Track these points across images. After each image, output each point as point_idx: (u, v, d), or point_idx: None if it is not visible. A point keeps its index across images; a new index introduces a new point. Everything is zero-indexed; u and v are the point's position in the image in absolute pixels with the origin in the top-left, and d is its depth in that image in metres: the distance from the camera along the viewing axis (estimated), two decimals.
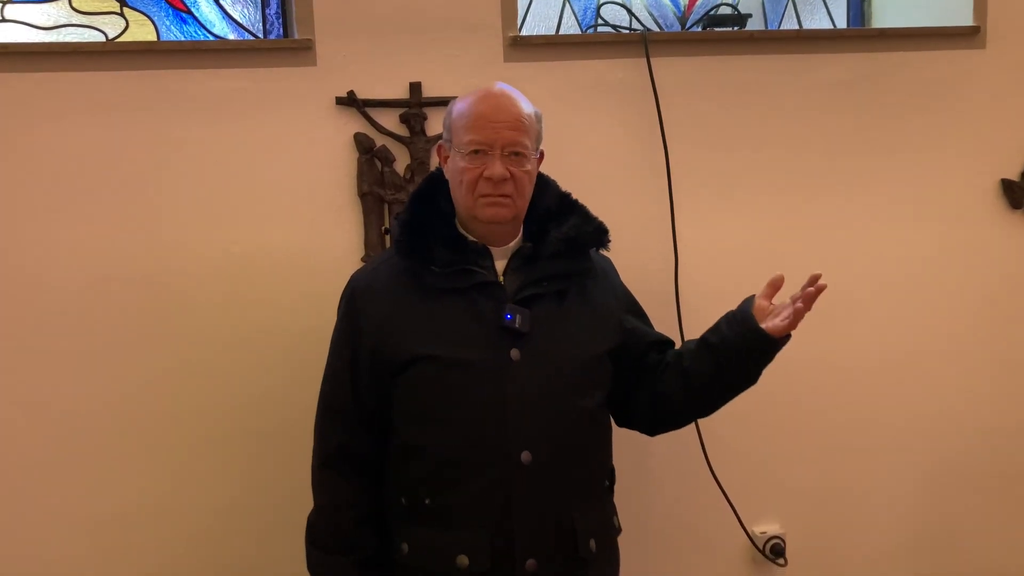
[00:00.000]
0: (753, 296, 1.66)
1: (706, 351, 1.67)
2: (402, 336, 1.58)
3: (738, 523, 2.30)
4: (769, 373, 2.31)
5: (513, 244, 1.66)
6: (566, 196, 1.72)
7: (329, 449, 1.65)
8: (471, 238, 1.62)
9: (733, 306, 2.28)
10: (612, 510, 1.74)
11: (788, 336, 1.62)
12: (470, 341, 1.57)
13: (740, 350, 1.63)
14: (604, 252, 1.75)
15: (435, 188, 1.67)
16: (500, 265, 1.63)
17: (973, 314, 2.43)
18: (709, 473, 2.24)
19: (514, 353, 1.56)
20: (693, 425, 2.22)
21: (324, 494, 1.66)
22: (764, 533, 2.35)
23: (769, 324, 1.61)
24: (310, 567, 1.66)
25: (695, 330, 2.20)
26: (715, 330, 1.69)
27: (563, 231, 1.65)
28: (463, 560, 1.54)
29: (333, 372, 1.66)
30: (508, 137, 1.56)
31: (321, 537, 1.65)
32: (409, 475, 1.60)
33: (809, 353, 2.33)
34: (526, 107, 1.61)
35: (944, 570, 2.49)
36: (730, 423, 2.29)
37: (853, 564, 2.44)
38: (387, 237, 2.11)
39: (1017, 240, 2.44)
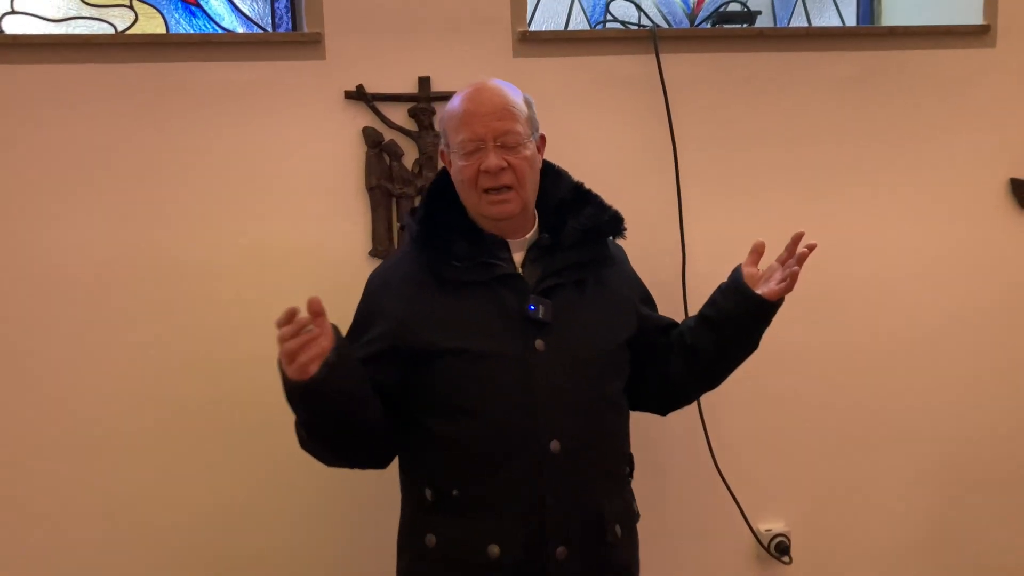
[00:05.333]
0: (740, 266, 1.70)
1: (707, 325, 1.71)
2: (426, 329, 1.58)
3: (743, 520, 2.30)
4: (774, 370, 2.32)
5: (530, 236, 1.67)
6: (579, 186, 1.73)
7: None
8: (488, 231, 1.63)
9: None
10: (631, 496, 1.76)
11: (783, 299, 1.67)
12: (496, 333, 1.58)
13: (740, 319, 1.68)
14: (619, 240, 1.76)
15: (449, 183, 1.68)
16: (518, 257, 1.65)
17: (980, 313, 2.42)
18: (715, 470, 2.24)
19: (539, 344, 1.57)
20: (699, 422, 2.22)
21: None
22: (769, 530, 2.35)
23: (765, 289, 1.66)
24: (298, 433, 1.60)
25: None
26: (711, 304, 1.72)
27: (580, 221, 1.66)
28: (494, 549, 1.55)
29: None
30: (497, 128, 1.57)
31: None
32: (436, 467, 1.60)
33: (814, 351, 2.34)
34: (512, 95, 1.62)
35: (950, 569, 2.49)
36: (735, 420, 2.31)
37: (858, 562, 2.43)
38: (396, 233, 2.11)
39: None
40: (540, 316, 1.57)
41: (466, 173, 1.58)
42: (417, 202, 2.11)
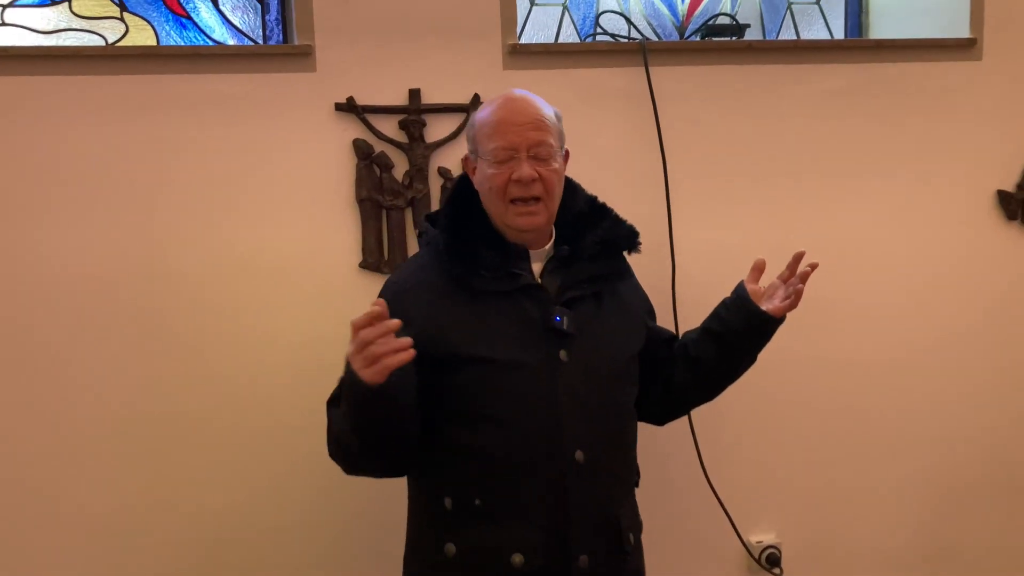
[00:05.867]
0: (742, 282, 1.75)
1: (711, 338, 1.74)
2: (452, 338, 1.57)
3: (734, 532, 2.30)
4: (766, 381, 2.33)
5: (548, 247, 1.68)
6: (594, 200, 1.75)
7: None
8: (511, 241, 1.64)
9: None
10: (636, 505, 1.77)
11: (785, 316, 1.73)
12: (522, 343, 1.58)
13: (745, 333, 1.72)
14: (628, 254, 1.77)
15: (468, 191, 1.68)
16: (536, 267, 1.65)
17: (968, 323, 2.44)
18: (705, 482, 2.24)
19: (563, 354, 1.59)
20: (689, 434, 2.22)
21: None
22: (760, 542, 2.35)
23: (770, 306, 1.71)
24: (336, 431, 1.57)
25: None
26: (716, 318, 1.76)
27: (599, 234, 1.68)
28: (518, 559, 1.55)
29: None
30: (532, 138, 1.58)
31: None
32: (457, 476, 1.60)
33: (803, 362, 2.35)
34: (546, 108, 1.63)
35: None
36: (726, 432, 2.31)
37: (848, 573, 2.43)
38: (387, 245, 2.11)
39: (1013, 251, 2.45)
40: (564, 327, 1.59)
41: (496, 181, 1.58)
42: (410, 213, 2.12)
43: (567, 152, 1.69)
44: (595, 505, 1.60)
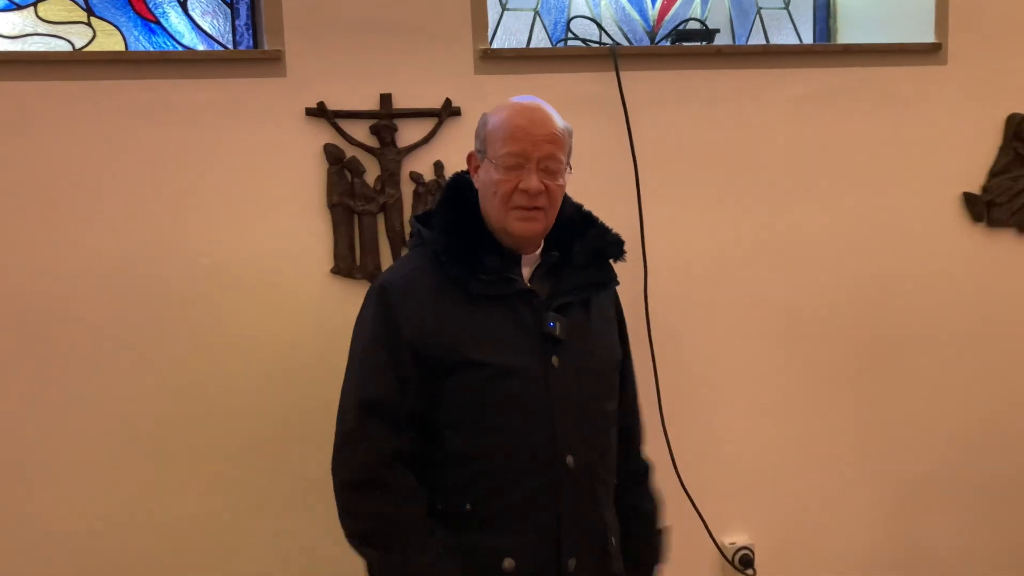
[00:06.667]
0: None
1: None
2: (449, 340, 1.57)
3: (707, 534, 2.32)
4: (737, 384, 2.35)
5: (536, 252, 1.68)
6: (580, 207, 1.76)
7: (383, 455, 1.55)
8: (505, 245, 1.64)
9: (700, 313, 2.32)
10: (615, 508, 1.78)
11: None
12: (516, 348, 1.59)
13: None
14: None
15: (462, 195, 1.67)
16: (526, 272, 1.66)
17: (935, 323, 2.47)
18: (679, 484, 2.25)
19: (555, 360, 1.60)
20: (663, 436, 2.23)
21: (384, 496, 1.56)
22: (733, 544, 2.37)
23: None
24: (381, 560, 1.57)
25: (664, 336, 2.25)
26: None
27: (588, 242, 1.69)
28: (509, 563, 1.56)
29: (370, 373, 1.58)
30: (545, 150, 1.58)
31: (400, 538, 1.54)
32: (449, 481, 1.59)
33: (775, 364, 2.37)
34: (560, 122, 1.63)
35: None
36: (700, 435, 2.32)
37: (821, 574, 2.46)
38: (358, 250, 2.11)
39: (978, 252, 2.49)
40: (557, 333, 1.60)
41: (504, 187, 1.58)
42: (382, 218, 2.11)
43: (570, 167, 1.68)
44: (585, 509, 1.61)
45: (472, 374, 1.57)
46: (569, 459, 1.58)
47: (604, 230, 1.73)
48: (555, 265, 1.67)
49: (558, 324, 1.60)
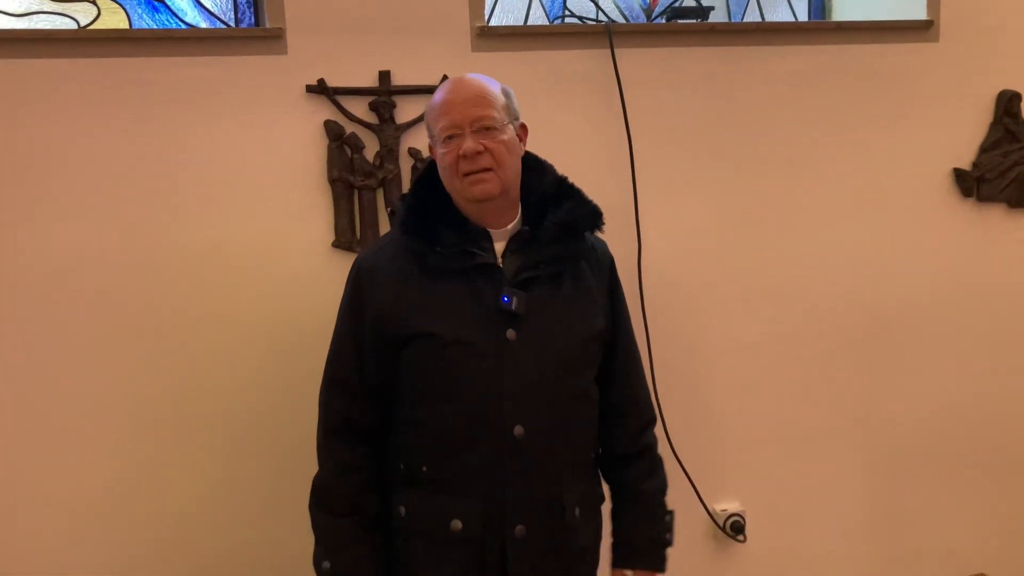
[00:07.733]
0: None
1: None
2: (404, 313, 1.63)
3: (699, 501, 2.38)
4: (728, 357, 2.39)
5: (512, 227, 1.71)
6: (563, 180, 1.77)
7: (334, 420, 1.70)
8: (473, 221, 1.68)
9: (693, 288, 2.36)
10: (598, 480, 1.82)
11: None
12: (469, 321, 1.63)
13: None
14: (599, 234, 1.78)
15: (435, 174, 1.72)
16: (499, 247, 1.69)
17: (927, 299, 2.51)
18: (671, 452, 2.30)
19: (510, 333, 1.63)
20: (656, 407, 2.27)
21: (330, 460, 1.71)
22: (724, 511, 2.42)
23: None
24: (316, 528, 1.70)
25: (658, 316, 2.29)
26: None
27: (559, 215, 1.70)
28: (456, 524, 1.62)
29: (339, 346, 1.71)
30: (473, 114, 1.62)
31: (327, 501, 1.70)
32: (408, 445, 1.67)
33: (766, 339, 2.41)
34: (490, 84, 1.67)
35: (899, 549, 2.58)
36: (692, 404, 2.37)
37: (810, 541, 2.52)
38: (358, 224, 2.15)
39: (968, 228, 2.52)
40: (513, 308, 1.62)
41: (447, 159, 1.63)
42: (381, 193, 2.15)
43: (523, 126, 1.71)
44: (534, 479, 1.64)
45: (423, 345, 1.62)
46: (518, 429, 1.61)
47: (583, 201, 1.74)
48: (528, 239, 1.69)
49: (514, 299, 1.62)
